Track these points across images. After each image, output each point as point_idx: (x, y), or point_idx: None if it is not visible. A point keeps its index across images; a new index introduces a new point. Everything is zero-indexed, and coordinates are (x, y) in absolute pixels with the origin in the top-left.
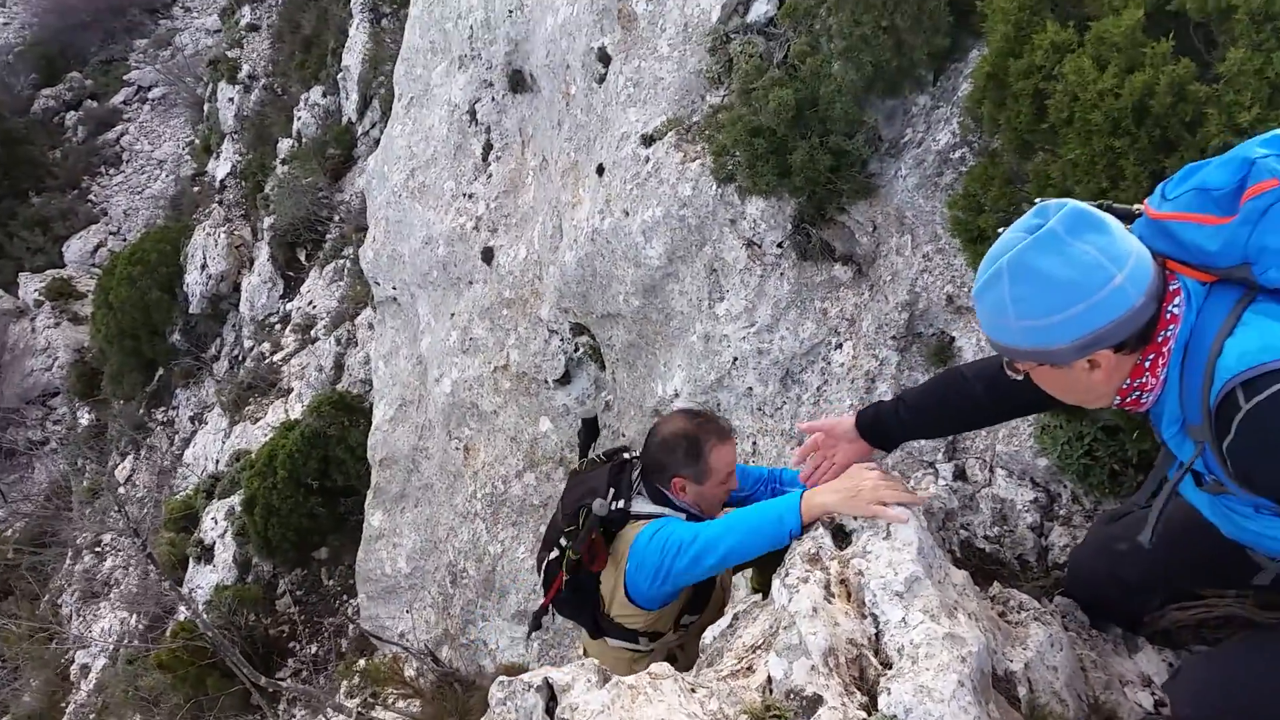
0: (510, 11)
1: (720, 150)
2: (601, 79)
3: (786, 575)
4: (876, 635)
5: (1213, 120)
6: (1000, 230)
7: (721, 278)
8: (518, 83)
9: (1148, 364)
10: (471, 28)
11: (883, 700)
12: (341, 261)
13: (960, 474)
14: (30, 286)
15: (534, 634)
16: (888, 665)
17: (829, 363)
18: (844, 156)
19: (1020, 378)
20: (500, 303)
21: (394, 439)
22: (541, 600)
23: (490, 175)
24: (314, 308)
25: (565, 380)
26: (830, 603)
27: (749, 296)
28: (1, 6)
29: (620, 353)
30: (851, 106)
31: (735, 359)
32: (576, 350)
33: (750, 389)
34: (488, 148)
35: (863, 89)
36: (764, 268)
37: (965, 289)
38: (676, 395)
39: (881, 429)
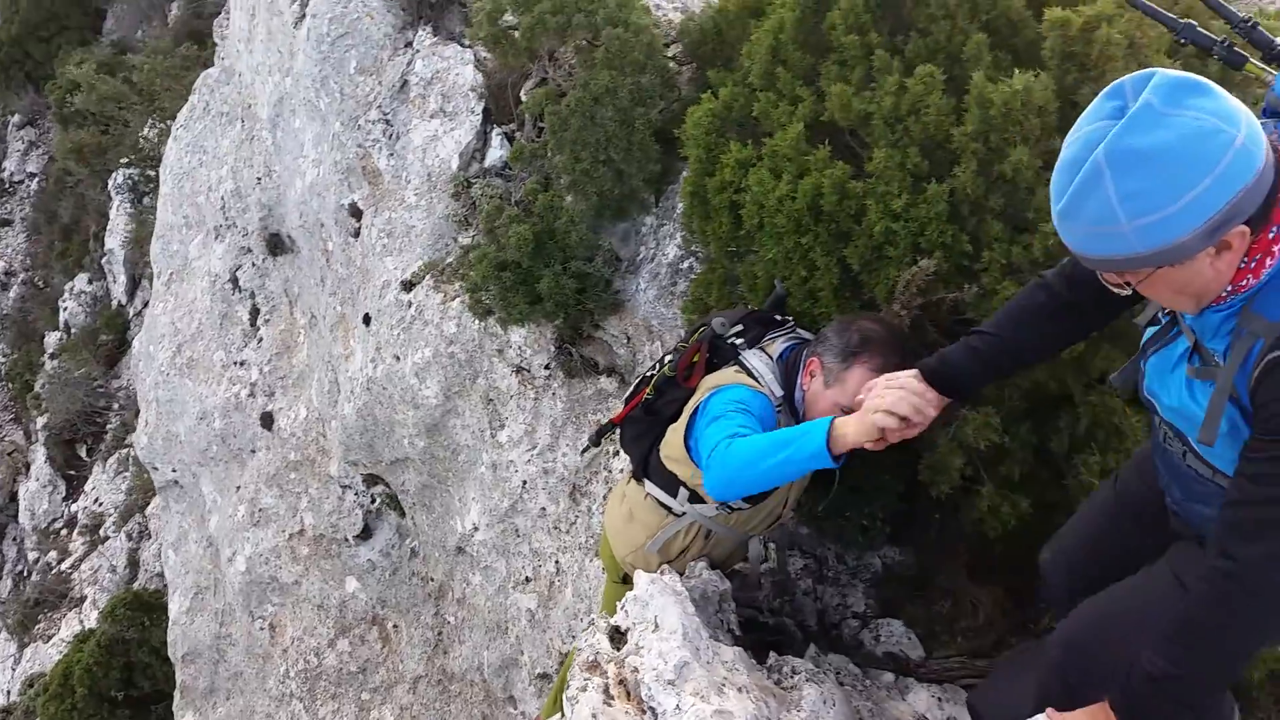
0: (259, 179)
1: (474, 287)
2: (356, 233)
3: (568, 688)
4: None
5: (872, 210)
6: None
7: (499, 406)
8: (276, 245)
9: (1272, 235)
10: (223, 198)
11: None
12: (126, 451)
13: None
14: None
15: (588, 450)
16: None
17: (610, 471)
18: (587, 279)
19: (1127, 292)
20: (287, 466)
21: (194, 631)
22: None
23: (261, 339)
24: (100, 505)
25: (366, 535)
26: (610, 705)
27: (527, 420)
28: None
29: (416, 496)
30: (586, 234)
31: (524, 482)
32: (373, 501)
33: (543, 509)
34: (254, 312)
35: (593, 216)
36: (536, 391)
37: None
38: (475, 529)
39: (949, 372)
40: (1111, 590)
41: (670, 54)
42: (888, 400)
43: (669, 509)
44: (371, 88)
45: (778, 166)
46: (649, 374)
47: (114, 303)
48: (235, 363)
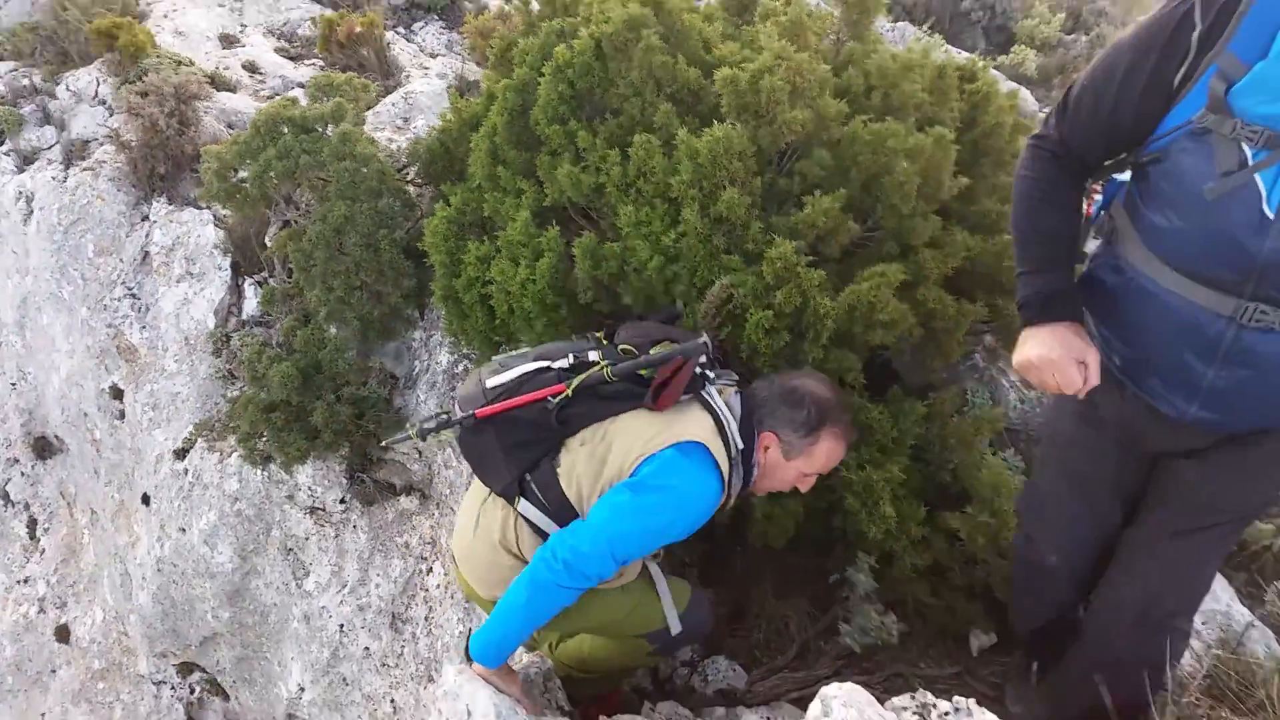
0: (13, 384)
1: (246, 436)
2: (121, 414)
3: None
4: None
5: (641, 252)
6: None
7: (299, 554)
8: (44, 448)
9: None
10: None
11: None
12: None
13: None
14: None
15: (423, 435)
16: None
17: (427, 589)
18: (364, 402)
19: None
20: (93, 677)
21: None
22: (486, 407)
23: (43, 550)
24: None
25: None
26: None
27: (332, 560)
28: None
29: (234, 673)
30: (354, 359)
31: (342, 625)
32: (192, 692)
33: (367, 649)
34: (32, 524)
35: (359, 341)
36: (335, 528)
37: None
38: (302, 689)
39: (1073, 302)
40: (1137, 575)
41: (409, 177)
42: (1092, 377)
43: (544, 535)
44: (113, 267)
45: (515, 254)
46: (563, 366)
47: None
48: (19, 581)
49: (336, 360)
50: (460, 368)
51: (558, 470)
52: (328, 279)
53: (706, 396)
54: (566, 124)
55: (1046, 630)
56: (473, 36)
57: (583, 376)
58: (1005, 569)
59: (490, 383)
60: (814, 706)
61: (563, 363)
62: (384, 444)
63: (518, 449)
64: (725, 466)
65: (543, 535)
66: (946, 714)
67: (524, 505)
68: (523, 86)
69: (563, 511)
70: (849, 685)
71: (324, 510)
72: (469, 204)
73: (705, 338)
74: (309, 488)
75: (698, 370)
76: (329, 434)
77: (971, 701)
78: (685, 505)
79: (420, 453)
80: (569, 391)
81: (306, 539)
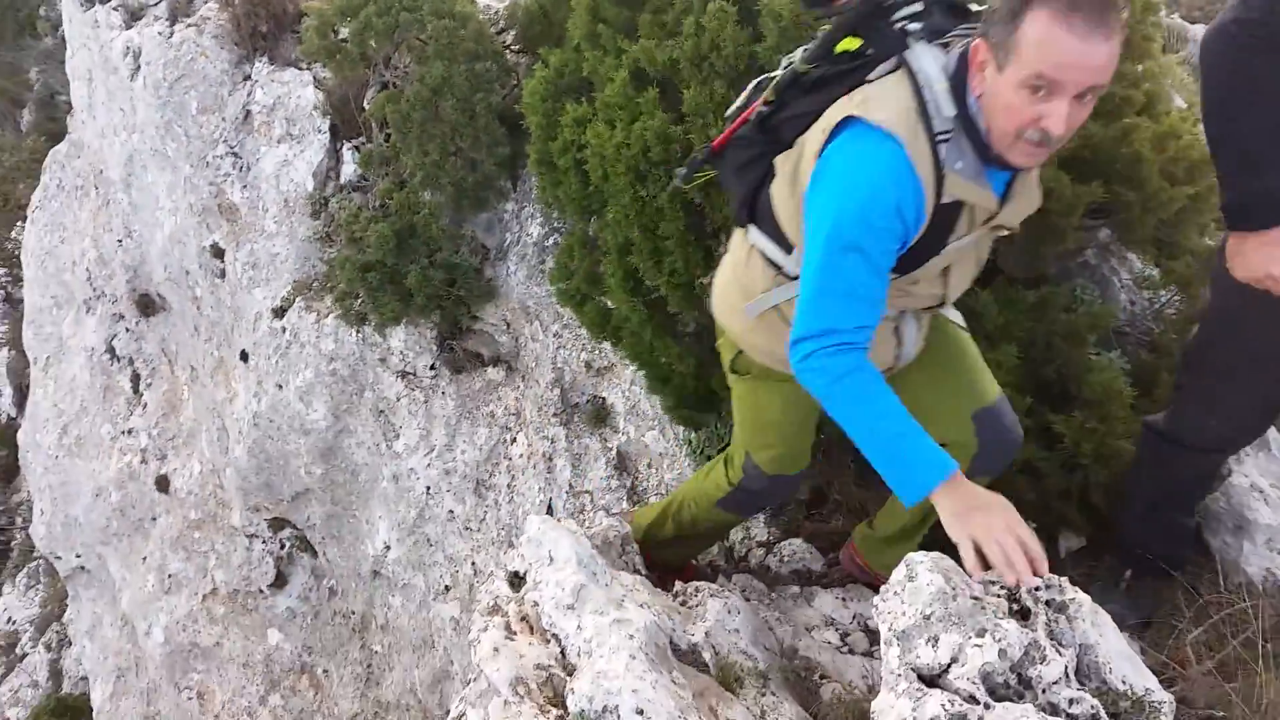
0: (120, 241)
1: (343, 296)
2: (222, 273)
3: (470, 634)
4: (562, 652)
5: (697, 145)
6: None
7: (390, 416)
8: (147, 305)
9: None
10: (88, 270)
11: (570, 702)
12: (35, 564)
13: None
14: None
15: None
16: (573, 672)
17: (510, 459)
18: (456, 269)
19: None
20: (189, 527)
21: (120, 716)
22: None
23: (145, 405)
24: (13, 623)
25: (280, 583)
26: (513, 640)
27: (420, 424)
28: None
29: (323, 529)
30: (448, 226)
31: (428, 488)
32: (282, 547)
33: (451, 512)
34: (135, 378)
35: (453, 209)
36: (425, 393)
37: (597, 353)
38: (388, 547)
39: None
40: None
41: (506, 42)
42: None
43: (780, 269)
44: (216, 125)
45: (611, 117)
46: (765, 78)
47: (3, 416)
48: (123, 432)
49: (430, 226)
50: (551, 241)
51: (771, 193)
52: (424, 143)
53: (908, 59)
54: None
55: (1159, 535)
56: None
57: (781, 72)
58: (1105, 476)
59: (731, 109)
60: (898, 571)
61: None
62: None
63: (742, 170)
64: (911, 136)
65: (775, 267)
66: (1037, 589)
67: (753, 233)
68: None
69: (783, 238)
70: (935, 553)
71: (414, 375)
72: (568, 65)
73: None
74: (401, 352)
75: (896, 23)
76: (421, 297)
77: (1064, 580)
78: (850, 184)
79: (508, 324)
80: (768, 97)
81: (397, 400)
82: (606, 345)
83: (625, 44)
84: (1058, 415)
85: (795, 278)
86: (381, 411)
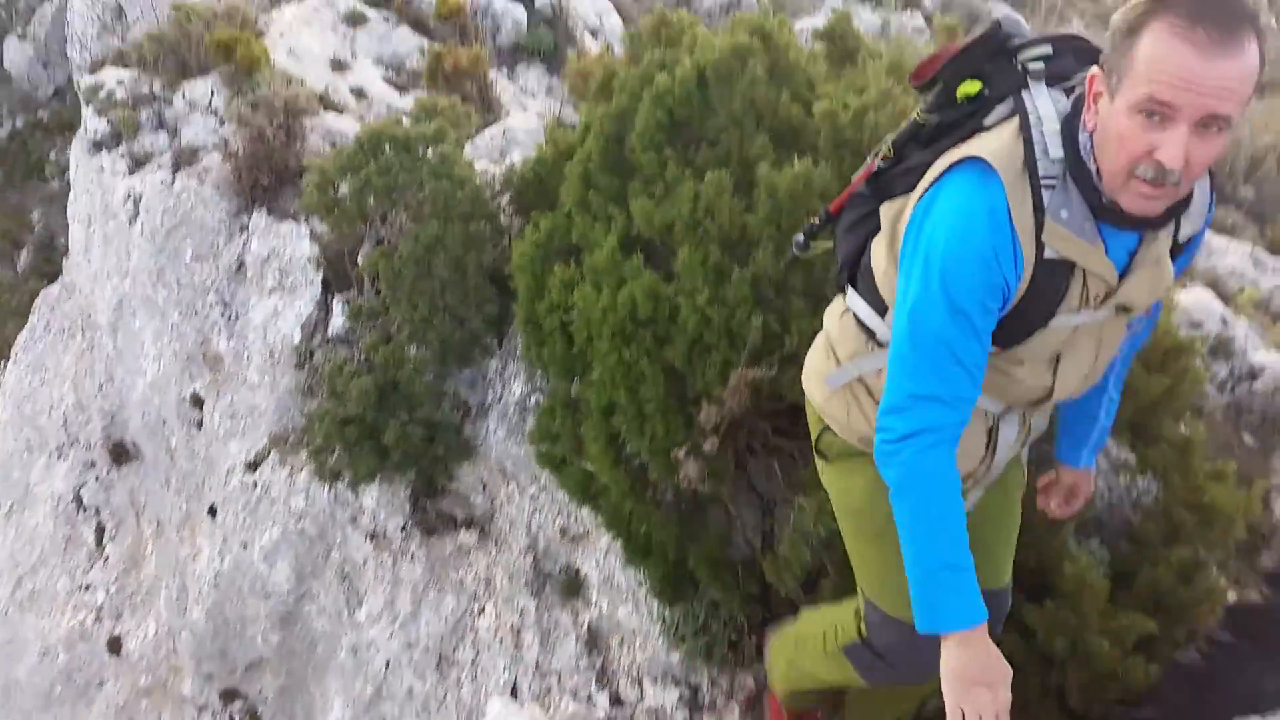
0: (100, 386)
1: (320, 449)
2: (199, 424)
3: None
4: None
5: (685, 306)
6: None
7: (355, 580)
8: (120, 454)
9: None
10: (65, 414)
11: None
12: None
13: (615, 699)
14: None
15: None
16: None
17: (476, 631)
18: (436, 426)
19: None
20: (137, 694)
21: None
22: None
23: (107, 558)
24: None
25: None
26: None
27: (386, 590)
28: None
29: (275, 704)
30: (431, 382)
31: (388, 662)
32: None
33: (411, 689)
34: (100, 531)
35: (437, 364)
36: (394, 555)
37: (574, 519)
38: None
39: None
40: None
41: (501, 205)
42: None
43: (872, 334)
44: (209, 273)
45: (598, 281)
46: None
47: None
48: (80, 587)
49: (414, 381)
50: (533, 400)
51: (870, 248)
52: (414, 298)
53: (1024, 99)
54: (662, 152)
55: None
56: (572, 78)
57: (901, 127)
58: (1084, 677)
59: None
60: None
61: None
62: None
63: (851, 229)
64: (1013, 175)
65: (867, 332)
66: None
67: (851, 295)
68: (620, 114)
69: (878, 299)
70: None
71: (384, 537)
72: (558, 229)
73: (1016, 20)
74: (372, 511)
75: (1018, 61)
76: (399, 454)
77: None
78: (945, 225)
79: (485, 485)
80: (889, 149)
81: (364, 564)
82: (584, 511)
83: (615, 211)
84: (1033, 605)
85: (885, 344)
86: (347, 575)
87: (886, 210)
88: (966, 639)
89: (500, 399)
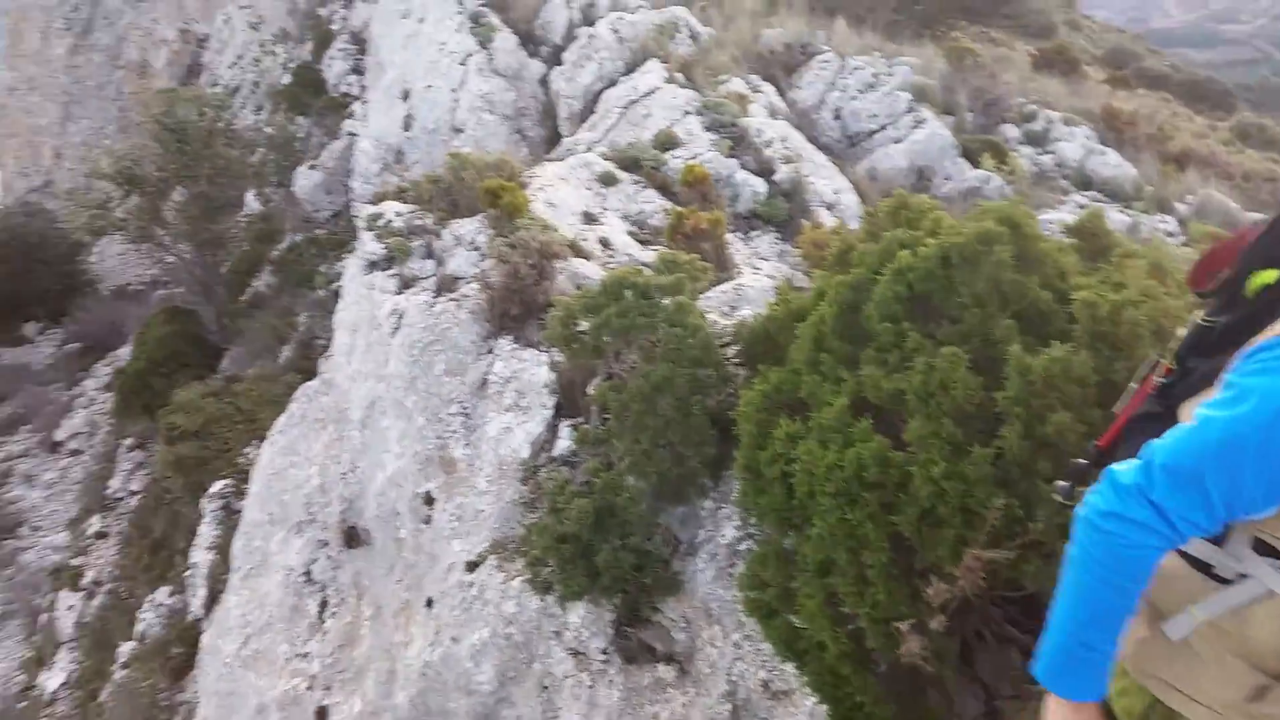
0: (343, 474)
1: (535, 561)
2: (428, 520)
3: None
4: None
5: (917, 476)
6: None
7: (554, 695)
8: (352, 538)
9: None
10: (308, 495)
11: None
12: None
13: None
14: None
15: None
16: None
17: None
18: (646, 556)
19: None
20: None
21: None
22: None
23: (326, 632)
24: None
25: None
26: None
27: (582, 710)
28: None
29: None
30: (645, 513)
31: None
32: None
33: None
34: (323, 605)
35: (653, 497)
36: (592, 676)
37: (777, 674)
38: None
39: None
40: None
41: (728, 355)
42: None
43: (1207, 569)
44: (454, 387)
45: (824, 438)
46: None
47: (190, 616)
48: (298, 655)
49: (630, 509)
50: (744, 545)
51: None
52: (637, 432)
53: None
54: (899, 324)
55: None
56: (806, 246)
57: (1180, 336)
58: None
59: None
60: None
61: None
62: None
63: (1140, 428)
64: None
65: (1201, 568)
66: None
67: None
68: (858, 284)
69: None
70: None
71: (586, 656)
72: (786, 383)
73: None
74: (577, 629)
75: None
76: (608, 578)
77: None
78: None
79: (688, 622)
80: (1172, 361)
81: (564, 679)
82: (789, 668)
83: (845, 373)
84: None
85: (1230, 580)
86: (546, 687)
87: (1188, 405)
88: (1077, 708)
89: (711, 539)
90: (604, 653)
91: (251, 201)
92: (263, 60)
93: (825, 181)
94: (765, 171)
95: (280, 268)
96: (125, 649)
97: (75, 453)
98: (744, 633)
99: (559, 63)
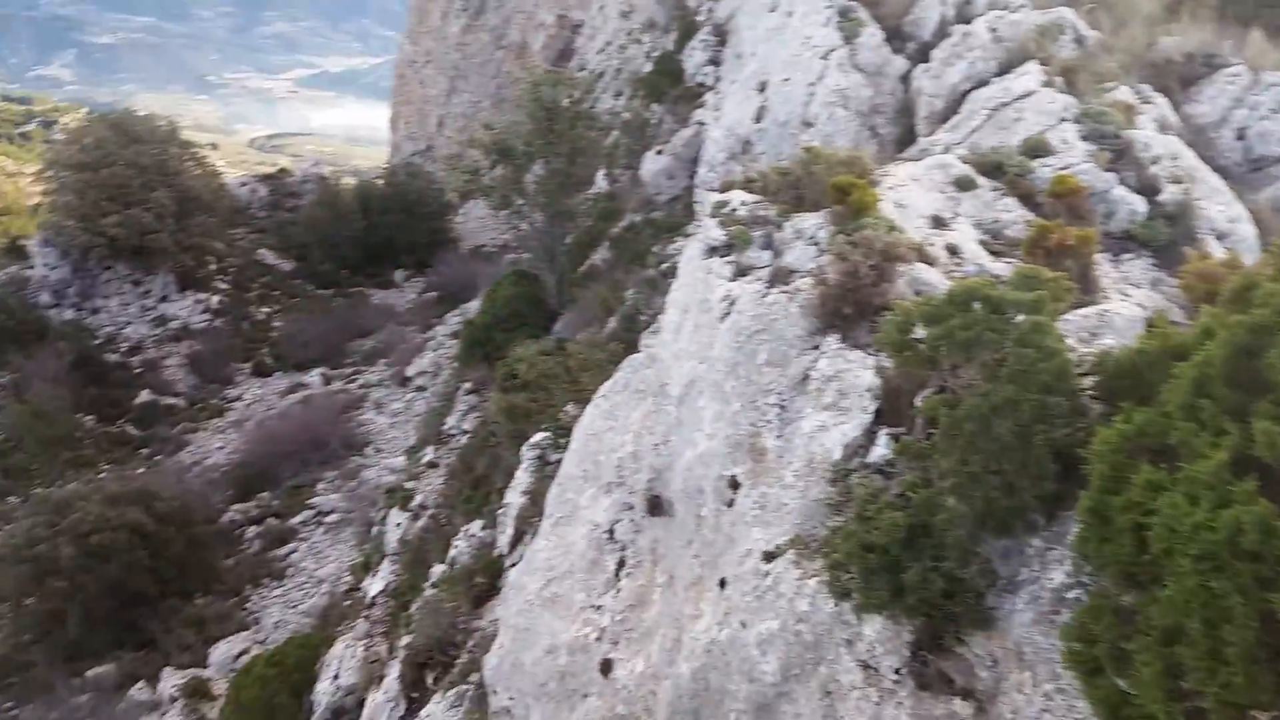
0: (655, 445)
1: (836, 565)
2: (730, 503)
3: None
4: None
5: None
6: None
7: (837, 702)
8: (655, 506)
9: None
10: (620, 459)
11: None
12: (465, 688)
13: None
14: (170, 683)
15: None
16: None
17: None
18: (958, 584)
19: None
20: (613, 718)
21: None
22: None
23: (620, 589)
24: None
25: None
26: None
27: None
28: (221, 433)
29: None
30: (963, 538)
31: None
32: None
33: None
34: (620, 564)
35: (974, 524)
36: (881, 694)
37: None
38: None
39: None
40: None
41: (1084, 385)
42: None
43: None
44: (774, 378)
45: (1194, 493)
46: None
47: (496, 551)
48: (592, 606)
49: (947, 532)
50: (1073, 594)
51: None
52: (967, 453)
53: None
54: None
55: None
56: (1189, 277)
57: None
58: None
59: None
60: None
61: None
62: None
63: None
64: None
65: None
66: None
67: None
68: (1259, 327)
69: None
70: None
71: (876, 671)
72: (1152, 427)
73: None
74: (871, 642)
75: None
76: (914, 597)
77: None
78: None
79: (995, 662)
80: None
81: (850, 690)
82: None
83: (1230, 425)
84: None
85: None
86: (829, 692)
87: None
88: None
89: (1035, 580)
90: (897, 672)
91: (600, 180)
92: (628, 48)
93: (1219, 208)
94: (1147, 190)
95: (617, 244)
96: (436, 570)
97: (420, 389)
98: (1057, 685)
99: (925, 60)
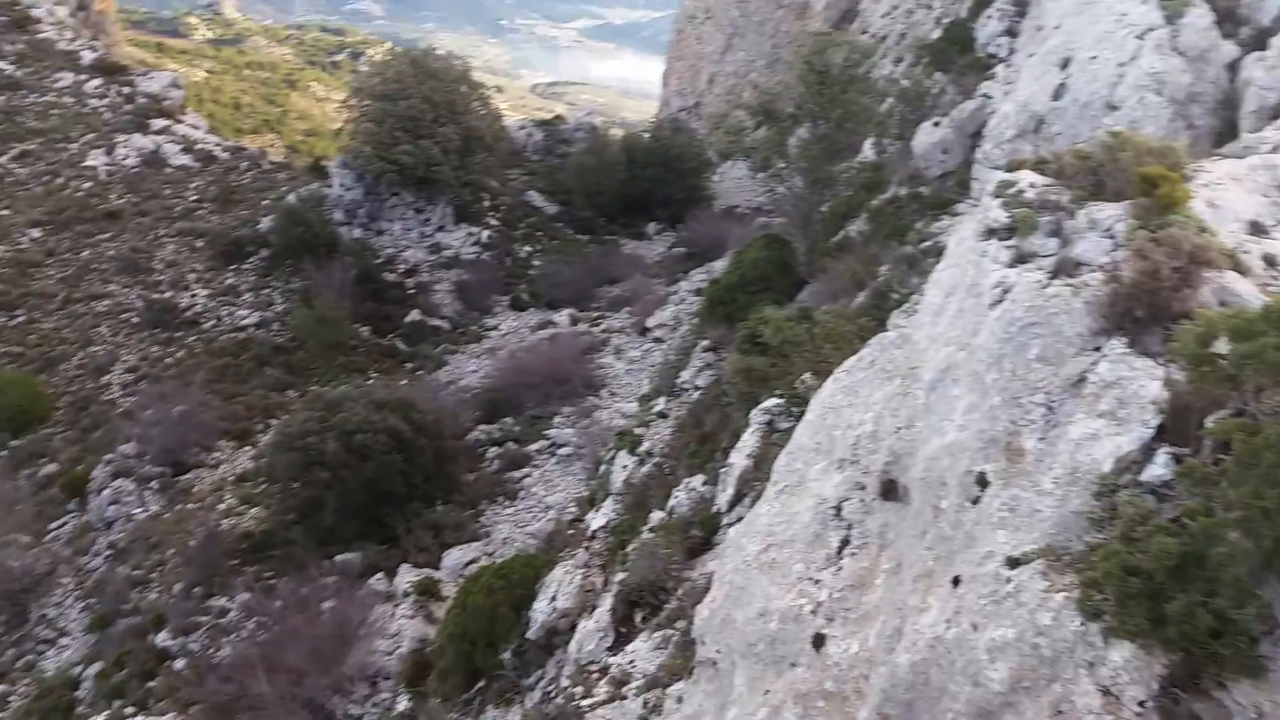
0: (898, 428)
1: (1090, 583)
2: (975, 500)
3: None
4: None
5: None
6: None
7: None
8: (890, 490)
9: None
10: (857, 437)
11: None
12: (672, 633)
13: None
14: (405, 578)
15: None
16: None
17: None
18: (1229, 624)
19: None
20: (819, 693)
21: None
22: None
23: (840, 568)
24: (633, 666)
25: None
26: None
27: None
28: (477, 358)
29: None
30: (1244, 578)
31: None
32: None
33: None
34: (844, 543)
35: (1259, 564)
36: None
37: None
38: None
39: None
40: None
41: None
42: None
43: None
44: (1044, 375)
45: None
46: None
47: (715, 508)
48: (810, 579)
49: (1225, 567)
50: None
51: None
52: (1264, 485)
53: None
54: None
55: None
56: None
57: None
58: None
59: None
60: None
61: None
62: None
63: None
64: None
65: None
66: None
67: None
68: None
69: None
70: None
71: (1118, 700)
72: None
73: None
74: (1117, 668)
75: None
76: (1175, 631)
77: None
78: None
79: (1260, 715)
80: None
81: (1084, 715)
82: None
83: None
84: None
85: None
86: (1060, 712)
87: None
88: None
89: None
90: (1141, 705)
91: (867, 149)
92: (916, 13)
93: None
94: None
95: (876, 217)
96: (655, 516)
97: (658, 340)
98: None
99: (1261, 48)
